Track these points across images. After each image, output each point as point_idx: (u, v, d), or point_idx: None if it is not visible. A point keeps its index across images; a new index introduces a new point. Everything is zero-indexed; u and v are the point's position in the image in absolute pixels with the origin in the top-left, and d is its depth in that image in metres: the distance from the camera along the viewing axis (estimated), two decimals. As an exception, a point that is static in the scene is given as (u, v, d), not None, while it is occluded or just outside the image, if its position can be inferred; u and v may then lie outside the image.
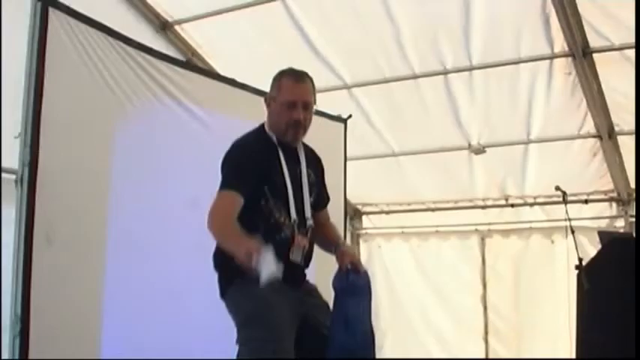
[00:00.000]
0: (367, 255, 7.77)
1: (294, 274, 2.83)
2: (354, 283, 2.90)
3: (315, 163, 3.15)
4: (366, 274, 2.97)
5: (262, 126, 3.05)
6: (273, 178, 2.89)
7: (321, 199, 3.17)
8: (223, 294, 2.88)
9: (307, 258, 2.99)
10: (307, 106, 2.97)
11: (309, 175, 3.05)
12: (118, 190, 4.07)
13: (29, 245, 3.49)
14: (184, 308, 4.26)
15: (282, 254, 2.69)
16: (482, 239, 7.19)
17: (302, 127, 2.98)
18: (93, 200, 3.96)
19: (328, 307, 2.96)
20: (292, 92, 2.94)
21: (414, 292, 7.43)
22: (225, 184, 2.82)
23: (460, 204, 7.18)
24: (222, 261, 2.81)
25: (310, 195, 3.02)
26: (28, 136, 3.55)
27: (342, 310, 2.83)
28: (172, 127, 4.49)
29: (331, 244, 3.13)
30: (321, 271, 3.10)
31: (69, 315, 3.70)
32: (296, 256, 2.88)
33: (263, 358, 2.63)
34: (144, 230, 4.18)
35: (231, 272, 2.73)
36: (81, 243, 3.84)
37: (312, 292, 3.01)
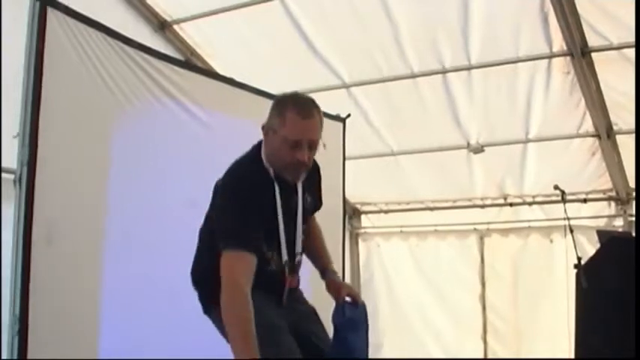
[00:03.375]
0: (366, 254, 7.79)
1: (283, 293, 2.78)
2: (354, 318, 2.83)
3: (312, 178, 2.91)
4: (363, 306, 2.90)
5: (258, 153, 2.75)
6: (265, 214, 2.65)
7: (313, 208, 2.99)
8: (208, 312, 2.77)
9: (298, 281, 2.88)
10: (313, 144, 2.64)
11: (305, 201, 2.84)
12: (117, 190, 4.06)
13: (28, 245, 3.48)
14: (183, 308, 4.22)
15: (270, 285, 2.65)
16: (481, 238, 7.19)
17: (305, 167, 2.68)
18: (91, 200, 3.95)
19: (316, 313, 2.90)
20: (298, 130, 2.57)
21: (413, 291, 7.43)
22: (232, 240, 2.51)
23: (459, 203, 7.18)
24: (203, 278, 2.76)
25: (303, 222, 2.83)
26: (26, 135, 3.54)
27: (344, 346, 2.74)
28: (171, 127, 4.48)
29: (320, 263, 3.02)
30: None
31: (68, 314, 3.70)
32: (289, 293, 2.79)
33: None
34: (142, 229, 4.18)
35: (212, 293, 2.54)
36: (79, 242, 3.83)
37: (299, 299, 2.91)
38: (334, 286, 2.93)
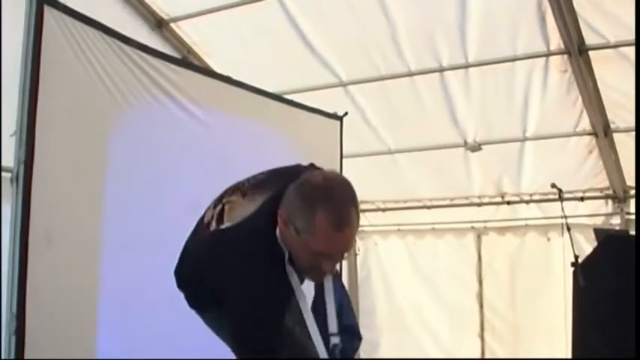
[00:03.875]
0: (363, 252, 7.78)
1: None
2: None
3: None
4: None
5: (270, 230, 2.17)
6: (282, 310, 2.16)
7: None
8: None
9: None
10: (346, 253, 2.14)
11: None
12: (114, 188, 4.06)
13: (25, 243, 3.48)
14: (181, 308, 4.24)
15: None
16: (479, 236, 7.18)
17: (329, 274, 2.21)
18: (89, 198, 3.95)
19: None
20: (331, 244, 2.04)
21: (410, 289, 7.43)
22: (250, 348, 2.07)
23: (456, 201, 7.18)
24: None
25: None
26: (23, 134, 3.54)
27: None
28: (168, 125, 4.48)
29: None
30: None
31: (65, 313, 3.70)
32: None
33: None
34: (140, 229, 4.17)
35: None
36: (77, 241, 3.83)
37: None
38: None
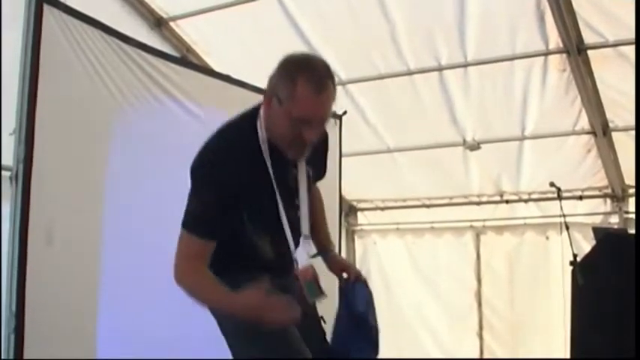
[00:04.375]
0: (362, 251, 7.80)
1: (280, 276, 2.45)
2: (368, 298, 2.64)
3: (318, 148, 2.52)
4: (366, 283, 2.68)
5: (252, 116, 2.40)
6: (257, 201, 2.33)
7: (313, 174, 2.64)
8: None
9: None
10: (324, 121, 2.33)
11: (307, 173, 2.50)
12: (114, 187, 4.06)
13: (24, 241, 3.48)
14: (181, 306, 4.23)
15: (271, 272, 2.39)
16: (477, 235, 7.20)
17: (311, 145, 2.33)
18: (88, 197, 3.95)
19: (320, 321, 2.64)
20: (310, 108, 2.21)
21: (409, 287, 7.44)
22: (192, 225, 2.31)
23: (455, 200, 7.20)
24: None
25: (308, 193, 2.50)
26: (22, 132, 3.54)
27: (366, 327, 2.56)
28: (167, 124, 4.48)
29: (318, 239, 2.69)
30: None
31: (65, 311, 3.70)
32: (312, 295, 2.38)
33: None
34: (139, 227, 4.17)
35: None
36: (76, 239, 3.83)
37: (314, 317, 2.60)
38: (340, 264, 2.71)
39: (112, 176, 4.07)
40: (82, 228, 3.88)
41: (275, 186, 2.34)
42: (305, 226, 2.44)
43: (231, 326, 2.43)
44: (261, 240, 2.41)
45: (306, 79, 2.19)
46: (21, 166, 3.52)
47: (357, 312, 2.56)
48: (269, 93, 2.29)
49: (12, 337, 3.41)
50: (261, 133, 2.34)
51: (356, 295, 2.61)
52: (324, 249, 2.72)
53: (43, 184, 3.59)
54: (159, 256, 4.19)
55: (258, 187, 2.33)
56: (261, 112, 2.37)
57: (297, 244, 2.43)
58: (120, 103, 4.16)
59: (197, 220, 2.30)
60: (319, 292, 2.37)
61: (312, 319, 2.58)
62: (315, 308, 2.60)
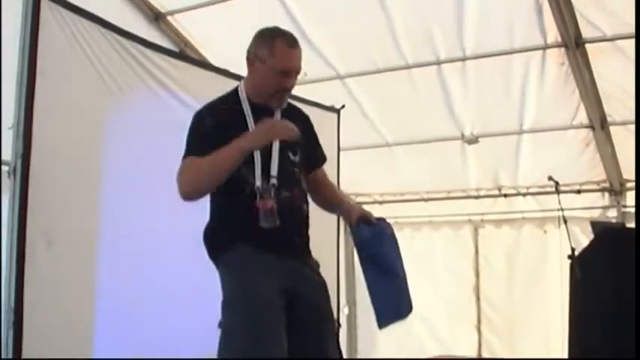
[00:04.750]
0: (361, 245, 7.79)
1: (283, 241, 2.69)
2: (378, 232, 2.84)
3: (297, 120, 2.88)
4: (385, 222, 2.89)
5: (235, 88, 2.93)
6: (235, 134, 2.69)
7: (313, 158, 3.04)
8: (215, 260, 2.78)
9: (297, 223, 2.82)
10: (298, 72, 2.86)
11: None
12: (112, 182, 4.06)
13: (22, 236, 3.48)
14: (179, 304, 4.25)
15: (245, 211, 2.66)
16: (476, 229, 7.21)
17: (289, 93, 2.88)
18: (86, 192, 3.95)
19: (325, 285, 2.85)
20: (287, 60, 2.80)
21: (408, 281, 7.43)
22: (187, 151, 2.78)
23: (453, 194, 7.20)
24: (209, 234, 2.80)
25: (295, 154, 2.83)
26: (21, 127, 3.54)
27: (377, 264, 2.93)
28: (166, 118, 4.47)
29: (334, 204, 3.05)
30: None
31: (63, 306, 3.70)
32: (267, 221, 2.63)
33: (231, 344, 2.53)
34: (137, 223, 4.17)
35: (214, 249, 2.75)
36: (75, 233, 3.83)
37: (311, 266, 2.84)
38: (349, 211, 2.94)
39: (110, 170, 4.07)
40: (80, 222, 3.88)
41: (251, 129, 2.77)
42: (274, 168, 2.76)
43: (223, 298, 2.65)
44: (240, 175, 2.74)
45: (280, 39, 2.82)
46: (19, 161, 3.52)
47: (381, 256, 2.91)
48: (251, 59, 2.83)
49: (10, 332, 3.41)
50: (242, 93, 2.87)
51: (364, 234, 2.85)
52: (340, 202, 3.07)
53: (41, 179, 3.59)
54: (156, 251, 4.24)
55: (237, 129, 2.72)
56: (243, 81, 2.92)
57: (267, 181, 2.75)
58: (118, 97, 4.16)
59: (189, 146, 2.78)
60: (272, 220, 2.64)
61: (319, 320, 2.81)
62: (318, 309, 2.79)
